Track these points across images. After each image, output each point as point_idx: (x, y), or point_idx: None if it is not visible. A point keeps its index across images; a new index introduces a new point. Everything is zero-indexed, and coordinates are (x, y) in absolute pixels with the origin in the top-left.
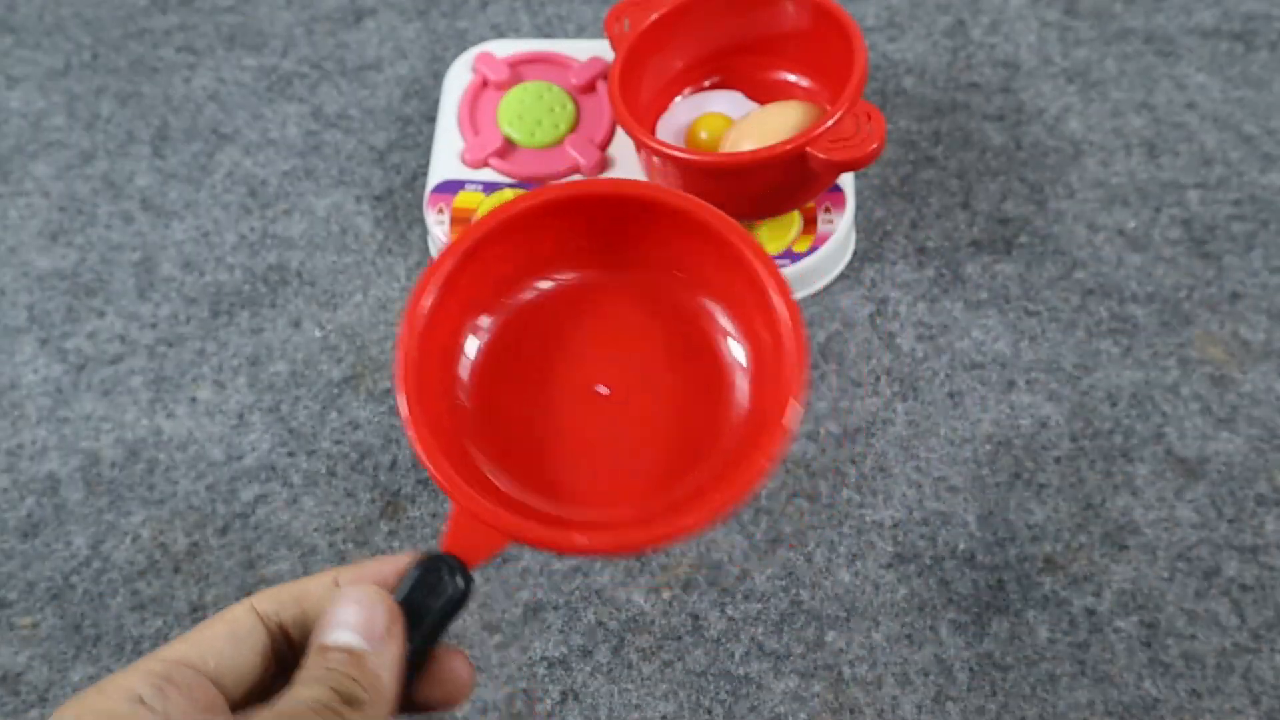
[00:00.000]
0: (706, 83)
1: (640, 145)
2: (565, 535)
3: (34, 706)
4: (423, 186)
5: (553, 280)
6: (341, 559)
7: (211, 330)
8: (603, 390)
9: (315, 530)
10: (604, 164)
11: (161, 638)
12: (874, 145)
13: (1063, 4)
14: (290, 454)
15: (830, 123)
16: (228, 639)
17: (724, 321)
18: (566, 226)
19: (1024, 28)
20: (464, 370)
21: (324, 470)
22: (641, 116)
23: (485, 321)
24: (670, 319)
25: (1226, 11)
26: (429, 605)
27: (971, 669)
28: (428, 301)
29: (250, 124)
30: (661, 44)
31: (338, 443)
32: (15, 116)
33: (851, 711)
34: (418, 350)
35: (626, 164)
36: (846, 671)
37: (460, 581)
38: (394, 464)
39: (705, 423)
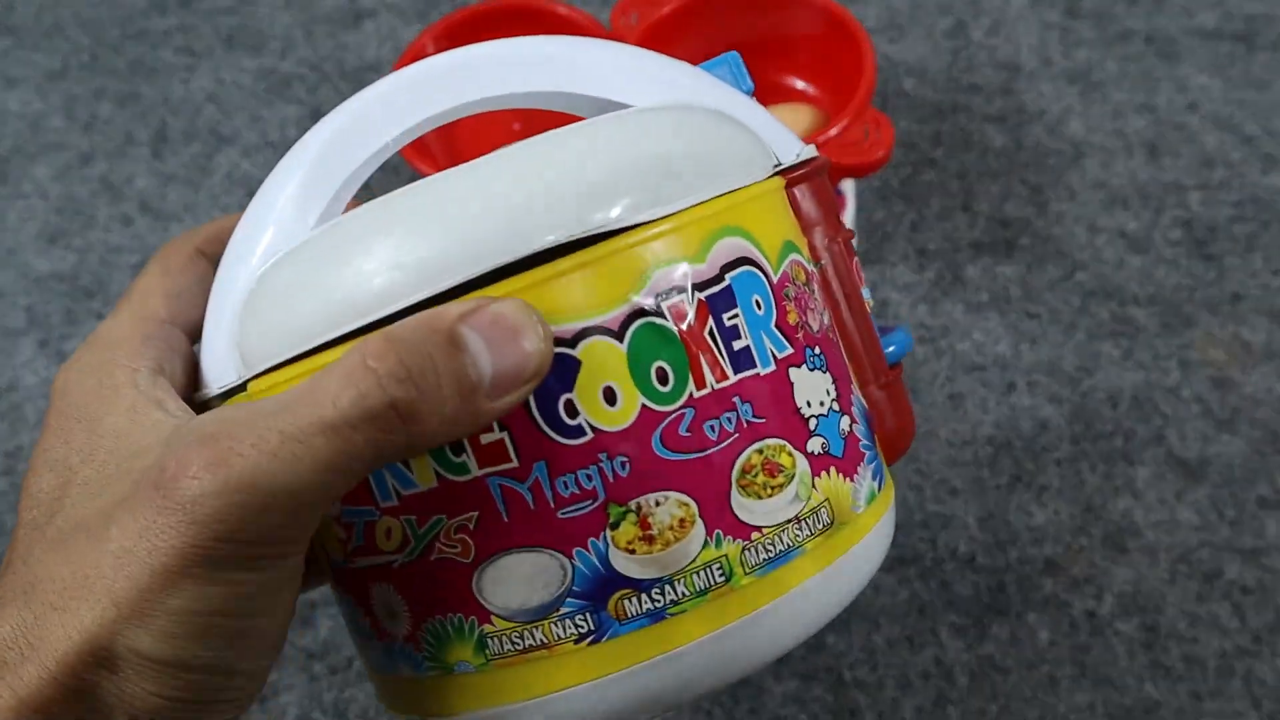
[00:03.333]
0: None
1: None
2: None
3: None
4: None
5: None
6: None
7: None
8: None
9: None
10: None
11: None
12: (881, 153)
13: (1064, 5)
14: None
15: (840, 127)
16: (199, 286)
17: None
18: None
19: (1025, 29)
20: None
21: None
22: None
23: None
24: None
25: (1228, 13)
26: None
27: (972, 672)
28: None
29: (249, 126)
30: (669, 40)
31: None
32: (14, 118)
33: (852, 714)
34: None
35: None
36: (847, 674)
37: None
38: None
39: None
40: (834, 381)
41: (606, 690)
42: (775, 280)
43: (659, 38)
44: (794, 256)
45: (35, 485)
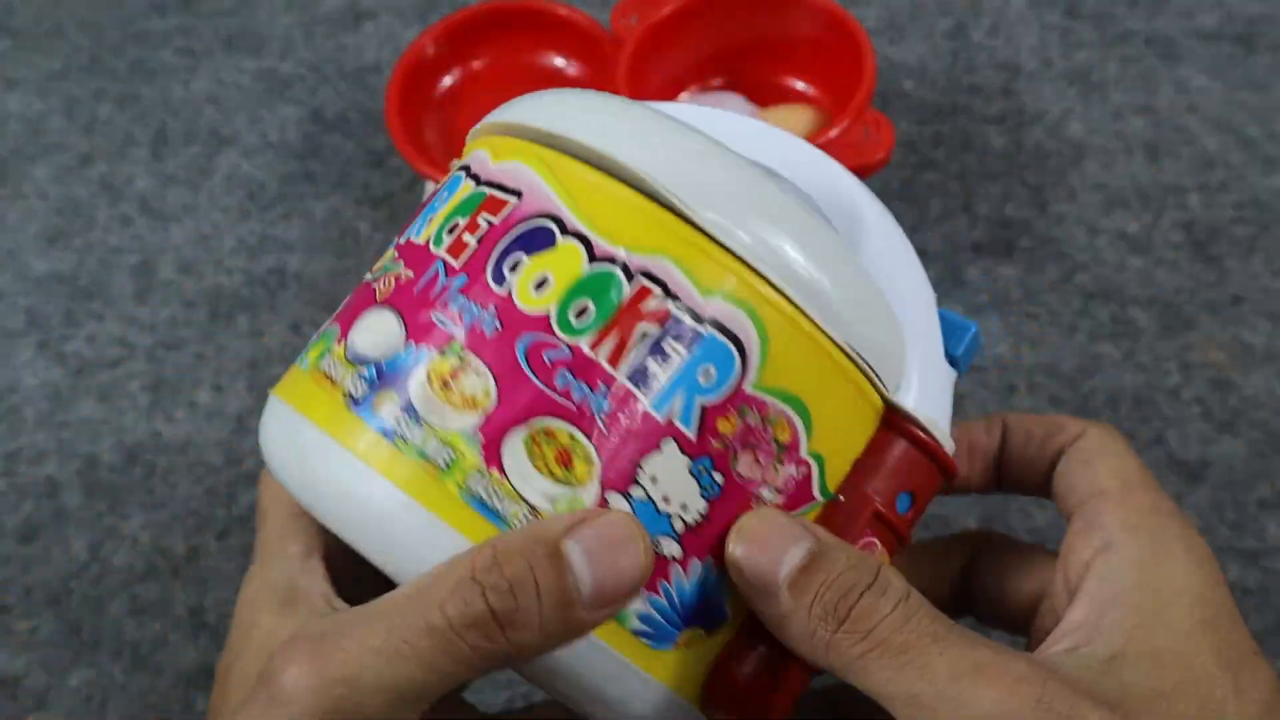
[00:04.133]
0: (712, 83)
1: None
2: None
3: (31, 711)
4: (422, 190)
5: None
6: None
7: (210, 334)
8: None
9: None
10: None
11: (161, 642)
12: (881, 154)
13: (1064, 6)
14: None
15: (840, 127)
16: None
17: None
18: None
19: (1025, 30)
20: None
21: None
22: None
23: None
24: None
25: (1229, 14)
26: None
27: None
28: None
29: (249, 127)
30: (669, 41)
31: None
32: (13, 119)
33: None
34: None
35: None
36: None
37: None
38: None
39: None
40: (704, 518)
41: (328, 452)
42: (752, 393)
43: (659, 39)
44: (810, 438)
45: (213, 692)
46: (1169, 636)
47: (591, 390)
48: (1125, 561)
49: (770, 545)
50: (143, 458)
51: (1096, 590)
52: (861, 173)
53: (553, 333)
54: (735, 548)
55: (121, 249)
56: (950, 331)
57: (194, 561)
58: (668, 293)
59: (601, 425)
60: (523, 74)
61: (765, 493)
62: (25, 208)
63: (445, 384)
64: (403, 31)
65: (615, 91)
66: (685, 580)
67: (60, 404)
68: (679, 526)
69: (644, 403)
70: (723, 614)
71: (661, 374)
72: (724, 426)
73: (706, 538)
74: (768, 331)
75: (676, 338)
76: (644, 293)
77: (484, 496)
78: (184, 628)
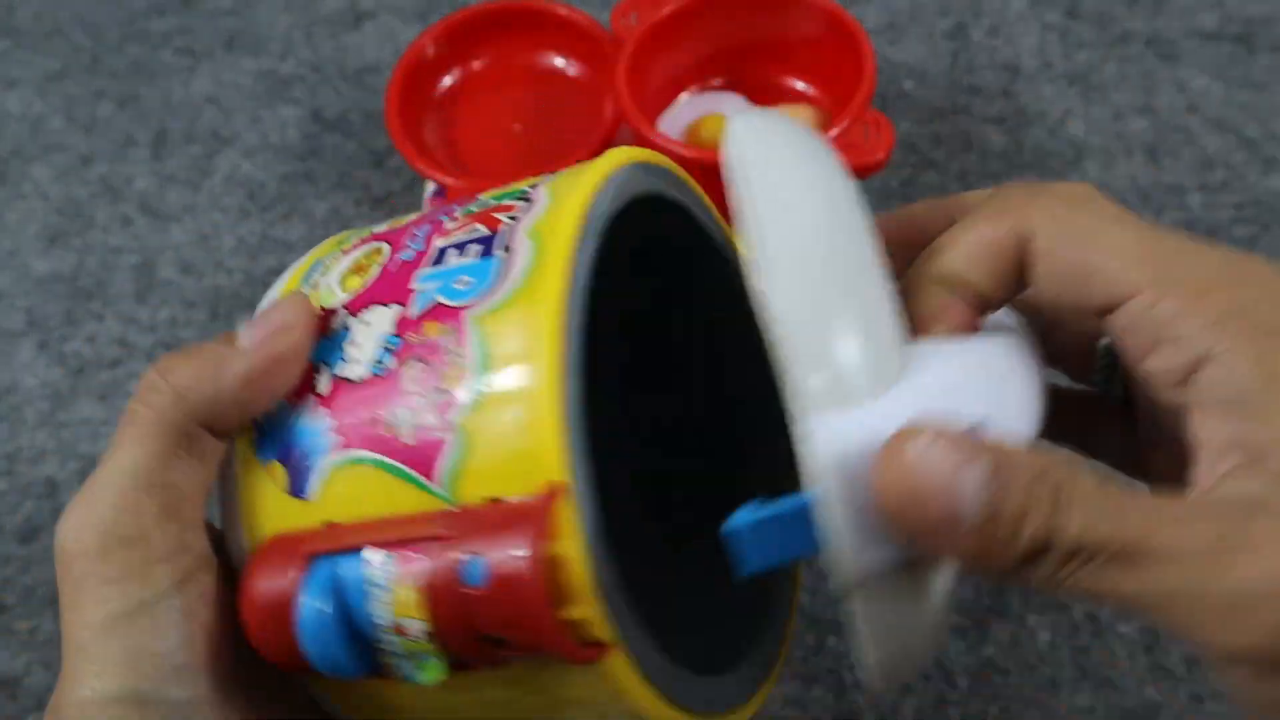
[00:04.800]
0: (712, 83)
1: (646, 142)
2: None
3: (32, 711)
4: (422, 190)
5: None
6: None
7: (210, 334)
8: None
9: None
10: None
11: None
12: (881, 155)
13: (1064, 7)
14: None
15: (840, 128)
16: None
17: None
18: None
19: (1025, 31)
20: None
21: None
22: (645, 113)
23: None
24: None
25: (1228, 14)
26: None
27: (972, 674)
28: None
29: (249, 127)
30: (669, 41)
31: None
32: (14, 119)
33: (852, 716)
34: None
35: None
36: (847, 677)
37: None
38: None
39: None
40: (355, 387)
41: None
42: (466, 320)
43: (659, 39)
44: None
45: None
46: None
47: (413, 241)
48: (1230, 372)
49: (936, 476)
50: None
51: (1219, 411)
52: (862, 173)
53: (455, 205)
54: (888, 493)
55: (121, 249)
56: (802, 536)
57: None
58: (515, 215)
59: (393, 265)
60: (523, 74)
61: (402, 414)
62: (25, 208)
63: (370, 255)
64: (403, 31)
65: (615, 91)
66: (309, 417)
67: (60, 404)
68: (340, 371)
69: (420, 269)
70: (302, 489)
71: (449, 261)
72: (429, 329)
73: (344, 404)
74: (529, 288)
75: (481, 244)
76: (507, 207)
77: (312, 275)
78: None
